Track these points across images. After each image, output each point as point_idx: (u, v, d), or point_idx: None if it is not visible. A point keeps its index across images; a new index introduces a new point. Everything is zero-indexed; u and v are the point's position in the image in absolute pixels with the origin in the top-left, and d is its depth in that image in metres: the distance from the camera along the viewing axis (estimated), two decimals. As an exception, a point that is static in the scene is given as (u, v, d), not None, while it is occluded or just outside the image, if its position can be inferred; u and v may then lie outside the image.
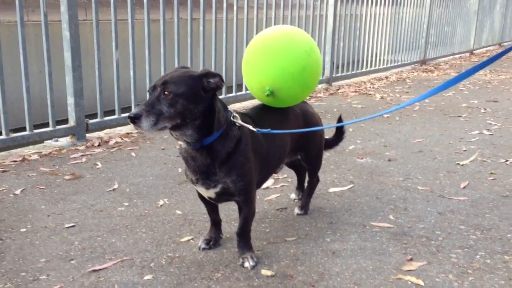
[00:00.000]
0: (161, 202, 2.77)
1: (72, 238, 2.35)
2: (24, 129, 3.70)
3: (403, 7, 8.84)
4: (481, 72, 8.73)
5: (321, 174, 2.81)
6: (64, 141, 3.90)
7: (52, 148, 3.75)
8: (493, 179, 3.20)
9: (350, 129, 4.38)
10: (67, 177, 3.14)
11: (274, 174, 2.98)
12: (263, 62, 2.26)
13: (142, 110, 1.79)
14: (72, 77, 3.83)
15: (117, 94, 4.32)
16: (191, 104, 1.85)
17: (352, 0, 7.32)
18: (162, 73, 3.92)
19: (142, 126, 1.79)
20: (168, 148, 3.81)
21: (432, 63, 10.11)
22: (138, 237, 2.36)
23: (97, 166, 3.36)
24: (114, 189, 2.97)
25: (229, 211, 2.62)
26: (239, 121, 2.02)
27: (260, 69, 2.27)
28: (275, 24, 5.81)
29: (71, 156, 3.57)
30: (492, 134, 4.35)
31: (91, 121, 4.05)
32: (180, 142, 1.96)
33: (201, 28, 4.88)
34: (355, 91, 6.67)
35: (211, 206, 2.25)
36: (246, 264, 2.09)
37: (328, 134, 2.81)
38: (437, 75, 8.54)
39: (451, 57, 11.37)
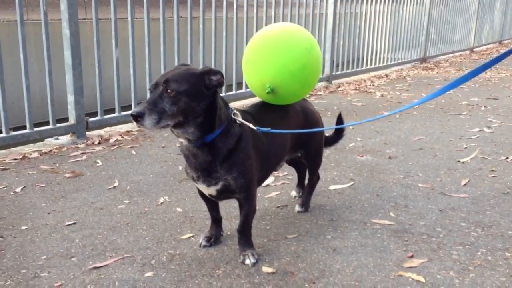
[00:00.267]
0: (161, 200, 2.77)
1: (72, 235, 2.35)
2: (24, 127, 3.71)
3: (403, 5, 8.83)
4: (481, 70, 8.72)
5: (321, 172, 2.81)
6: (64, 139, 3.90)
7: (52, 146, 3.75)
8: (493, 176, 3.20)
9: (350, 127, 4.37)
10: (67, 175, 3.14)
11: (274, 172, 2.99)
12: (263, 59, 2.26)
13: (144, 108, 1.79)
14: (72, 75, 3.83)
15: (117, 92, 4.32)
16: (193, 102, 1.85)
17: (352, -2, 7.32)
18: (162, 72, 3.92)
19: (145, 125, 1.78)
20: (168, 146, 3.81)
21: (432, 61, 10.10)
22: (138, 234, 2.36)
23: (98, 164, 3.36)
24: (114, 187, 2.97)
25: (229, 209, 2.62)
26: (239, 119, 2.02)
27: (260, 67, 2.27)
28: (275, 22, 5.80)
29: (72, 154, 3.57)
30: (492, 132, 4.35)
31: (91, 119, 4.05)
32: (181, 140, 1.96)
33: (201, 26, 4.87)
34: (355, 89, 6.66)
35: (212, 204, 2.25)
36: (247, 261, 2.09)
37: (328, 131, 2.81)
38: (437, 73, 8.53)
39: (451, 55, 11.36)
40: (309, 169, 2.64)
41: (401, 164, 3.43)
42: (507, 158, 3.57)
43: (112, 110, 4.31)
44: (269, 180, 3.06)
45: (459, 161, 3.51)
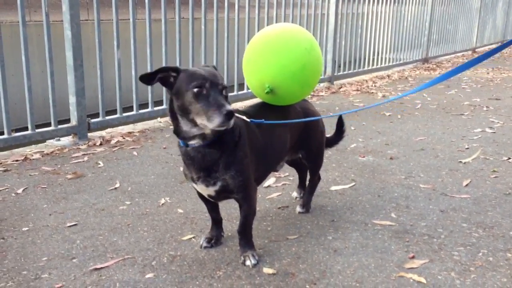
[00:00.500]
0: (162, 201, 2.78)
1: (73, 236, 2.35)
2: (26, 128, 3.71)
3: (405, 5, 8.83)
4: (484, 70, 8.72)
5: (322, 173, 2.81)
6: (66, 140, 3.91)
7: (54, 148, 3.76)
8: (495, 177, 3.19)
9: (352, 128, 4.37)
10: (69, 176, 3.15)
11: (275, 173, 2.99)
12: (263, 59, 2.26)
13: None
14: (74, 76, 3.84)
15: (118, 93, 4.33)
16: None
17: (354, -1, 7.32)
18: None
19: (231, 123, 1.83)
20: (170, 147, 3.81)
21: (434, 61, 10.09)
22: (139, 235, 2.37)
23: (99, 165, 3.37)
24: (115, 188, 2.97)
25: (230, 210, 2.62)
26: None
27: (260, 67, 2.27)
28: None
29: (73, 155, 3.58)
30: (494, 132, 4.34)
31: (93, 120, 4.05)
32: (193, 142, 1.95)
33: (203, 27, 4.88)
34: (357, 90, 6.66)
35: (212, 205, 2.25)
36: (248, 262, 2.09)
37: (329, 132, 2.81)
38: (439, 73, 8.52)
39: (453, 55, 11.34)
40: (310, 170, 2.64)
41: (402, 164, 3.43)
42: (509, 158, 3.56)
43: (113, 111, 4.32)
44: (270, 181, 3.06)
45: (460, 161, 3.50)
